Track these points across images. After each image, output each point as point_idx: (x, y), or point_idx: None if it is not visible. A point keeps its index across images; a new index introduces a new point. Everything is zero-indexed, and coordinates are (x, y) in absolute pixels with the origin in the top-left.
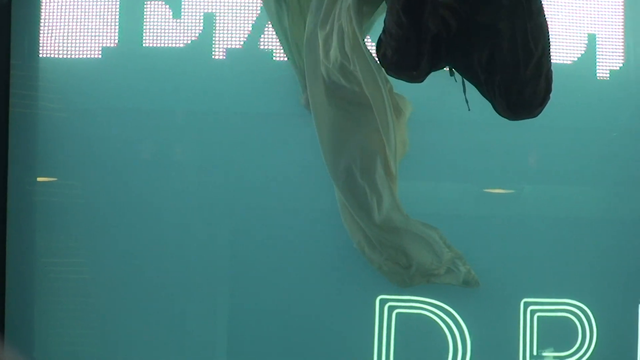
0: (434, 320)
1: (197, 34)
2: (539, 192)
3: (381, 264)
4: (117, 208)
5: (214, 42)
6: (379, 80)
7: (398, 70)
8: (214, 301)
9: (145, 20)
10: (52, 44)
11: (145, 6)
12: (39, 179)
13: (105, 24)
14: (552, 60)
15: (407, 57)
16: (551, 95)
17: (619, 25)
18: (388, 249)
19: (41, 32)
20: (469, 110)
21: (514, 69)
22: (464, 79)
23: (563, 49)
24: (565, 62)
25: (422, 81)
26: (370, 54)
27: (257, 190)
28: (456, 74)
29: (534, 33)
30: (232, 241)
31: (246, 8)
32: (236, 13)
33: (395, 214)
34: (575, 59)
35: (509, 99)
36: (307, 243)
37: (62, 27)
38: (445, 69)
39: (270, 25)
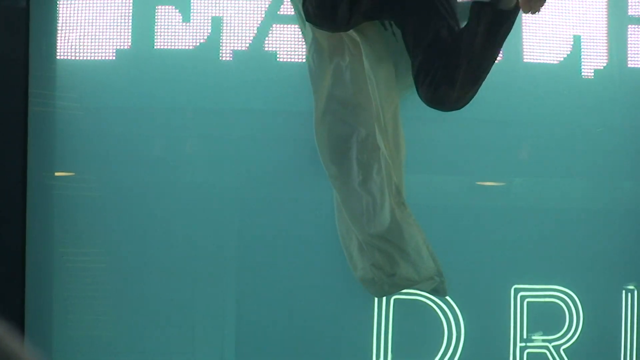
0: (430, 306)
1: (205, 37)
2: (529, 184)
3: (366, 271)
4: (129, 201)
5: (221, 44)
6: (369, 82)
7: (319, 21)
8: (222, 296)
9: (156, 23)
10: (69, 46)
11: (156, 10)
12: (56, 174)
13: (118, 27)
14: (538, 61)
15: (323, 8)
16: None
17: (602, 27)
18: (375, 252)
19: (58, 35)
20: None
21: (455, 67)
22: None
23: (550, 50)
24: (552, 62)
25: (348, 29)
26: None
27: (261, 184)
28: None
29: (499, 37)
30: (239, 236)
31: (252, 12)
32: (242, 17)
33: (396, 212)
34: (562, 59)
35: (435, 94)
36: (312, 236)
37: (78, 30)
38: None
39: (274, 29)
